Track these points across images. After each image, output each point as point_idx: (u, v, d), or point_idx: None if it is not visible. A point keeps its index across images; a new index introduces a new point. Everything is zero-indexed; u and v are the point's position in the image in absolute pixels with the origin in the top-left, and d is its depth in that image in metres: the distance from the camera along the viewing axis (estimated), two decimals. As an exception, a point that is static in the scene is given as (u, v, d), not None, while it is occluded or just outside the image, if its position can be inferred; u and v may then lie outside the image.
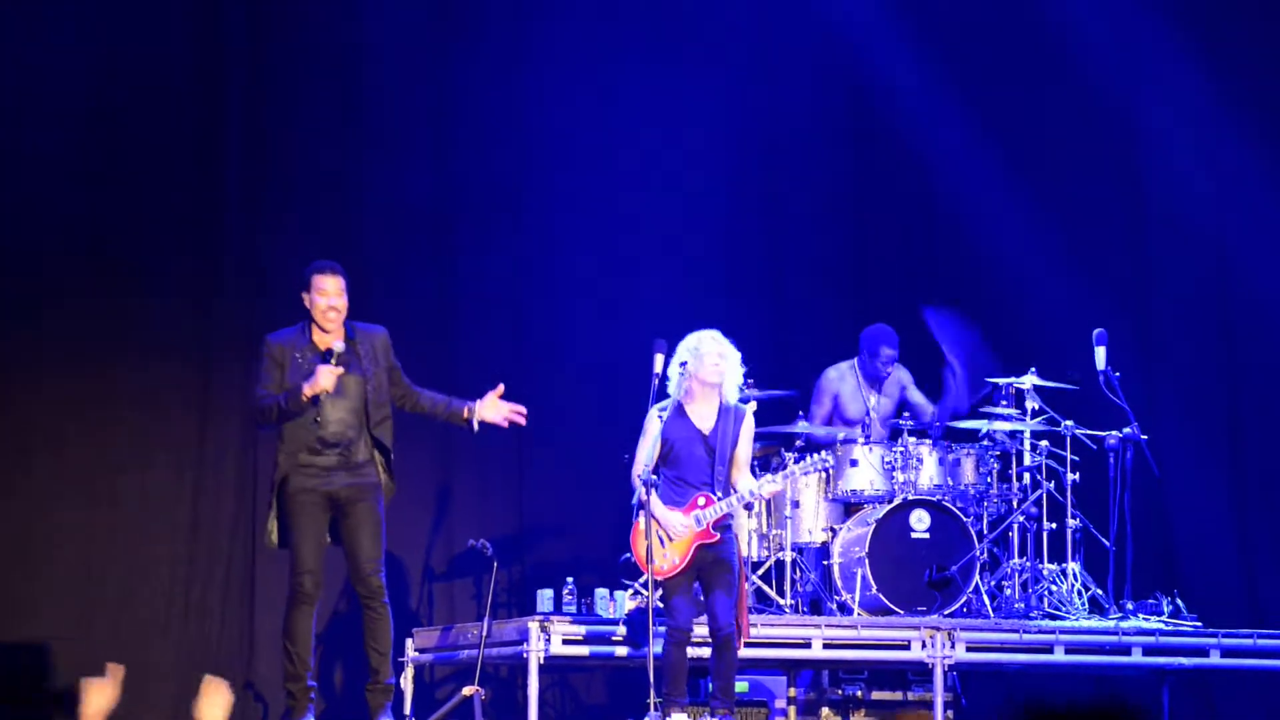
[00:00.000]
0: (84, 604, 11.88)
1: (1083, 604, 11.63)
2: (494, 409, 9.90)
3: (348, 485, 9.62)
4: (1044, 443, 11.80)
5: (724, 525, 9.67)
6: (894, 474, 11.61)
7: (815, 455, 10.25)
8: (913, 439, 11.68)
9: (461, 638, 11.12)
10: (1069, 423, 11.77)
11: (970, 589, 11.37)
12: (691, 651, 9.86)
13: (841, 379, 12.30)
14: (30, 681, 11.40)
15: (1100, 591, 11.72)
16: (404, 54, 12.89)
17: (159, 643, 11.99)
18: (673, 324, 10.05)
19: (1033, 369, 11.89)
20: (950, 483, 11.69)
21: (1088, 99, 13.79)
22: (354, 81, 12.82)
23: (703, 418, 9.74)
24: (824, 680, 11.90)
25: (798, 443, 11.63)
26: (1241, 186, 13.75)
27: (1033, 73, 13.78)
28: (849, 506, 11.87)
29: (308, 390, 9.47)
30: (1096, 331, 11.84)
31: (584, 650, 10.64)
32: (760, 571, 11.53)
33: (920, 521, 11.46)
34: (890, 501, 11.49)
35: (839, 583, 11.51)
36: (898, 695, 11.90)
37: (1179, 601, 11.69)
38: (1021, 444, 11.84)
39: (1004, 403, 11.82)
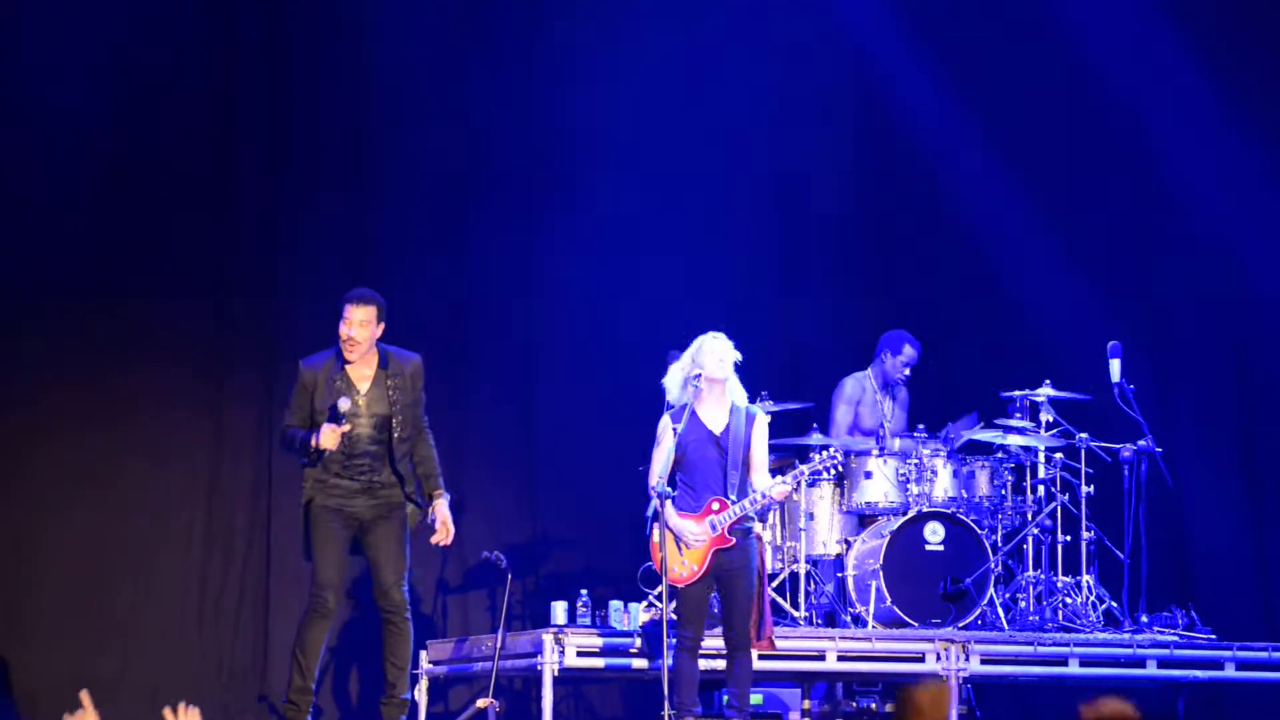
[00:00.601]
0: (95, 611, 11.88)
1: (1097, 616, 11.62)
2: (442, 527, 9.85)
3: (368, 506, 9.65)
4: (1059, 455, 11.79)
5: (742, 529, 9.62)
6: (908, 486, 11.61)
7: (823, 451, 10.15)
8: (927, 451, 11.67)
9: (476, 650, 11.11)
10: (1083, 435, 11.77)
11: (985, 601, 11.36)
12: (707, 663, 9.84)
13: (860, 388, 12.30)
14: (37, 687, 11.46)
15: (1115, 604, 11.70)
16: (419, 57, 12.89)
17: (172, 652, 11.98)
18: (686, 335, 10.03)
19: (1047, 381, 11.88)
20: (965, 495, 11.69)
21: (1103, 112, 13.79)
22: (368, 83, 12.83)
23: (714, 419, 9.71)
24: (838, 693, 11.89)
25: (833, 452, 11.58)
26: (1255, 198, 13.73)
27: (1047, 86, 13.77)
28: (863, 518, 11.87)
29: (313, 444, 9.51)
30: (1111, 344, 11.84)
31: (598, 662, 10.63)
32: (775, 583, 11.51)
33: (935, 534, 11.46)
34: (905, 514, 11.48)
35: (853, 595, 11.50)
36: (912, 708, 11.86)
37: (1194, 614, 11.67)
38: (1036, 456, 11.83)
39: (1018, 415, 11.81)
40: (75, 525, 11.88)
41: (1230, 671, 11.36)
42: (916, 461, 11.64)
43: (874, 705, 11.79)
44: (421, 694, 11.20)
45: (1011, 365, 12.66)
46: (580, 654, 10.56)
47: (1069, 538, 11.72)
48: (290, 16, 12.68)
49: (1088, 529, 11.75)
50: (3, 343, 11.97)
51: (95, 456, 12.00)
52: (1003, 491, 11.79)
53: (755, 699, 11.07)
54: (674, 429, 9.62)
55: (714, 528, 9.57)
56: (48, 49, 12.10)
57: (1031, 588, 11.67)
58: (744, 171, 13.59)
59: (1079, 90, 13.78)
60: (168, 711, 5.83)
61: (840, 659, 10.90)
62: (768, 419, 9.98)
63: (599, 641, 10.63)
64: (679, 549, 9.58)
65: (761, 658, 10.07)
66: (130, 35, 12.29)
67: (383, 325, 9.73)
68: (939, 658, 10.95)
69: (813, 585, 11.70)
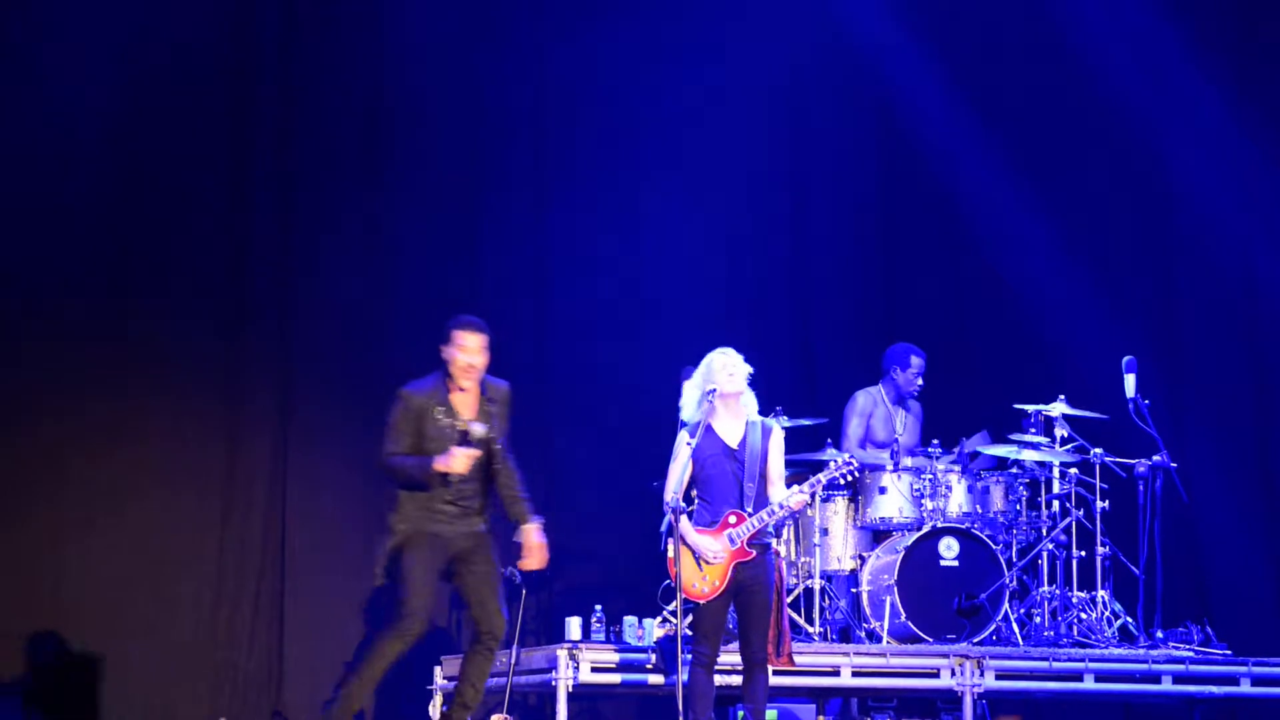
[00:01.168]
0: (112, 631, 11.90)
1: (1112, 632, 11.60)
2: (535, 552, 9.84)
3: (465, 534, 9.60)
4: (1073, 470, 11.78)
5: (761, 544, 9.61)
6: (923, 501, 11.61)
7: (839, 459, 10.14)
8: (941, 466, 11.67)
9: (490, 665, 11.10)
10: (1098, 450, 11.76)
11: (999, 617, 11.35)
12: (723, 679, 9.83)
13: (873, 403, 12.31)
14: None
15: (1130, 619, 11.69)
16: (431, 62, 12.93)
17: (187, 671, 12.00)
18: (700, 351, 10.03)
19: (1062, 397, 11.87)
20: (979, 510, 11.69)
21: (1119, 129, 13.80)
22: (381, 97, 12.86)
23: (729, 433, 9.72)
24: (853, 708, 11.87)
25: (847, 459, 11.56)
26: (1271, 213, 13.73)
27: (1064, 101, 13.80)
28: (877, 534, 11.87)
29: (439, 467, 9.46)
30: (1126, 359, 11.83)
31: (613, 678, 10.62)
32: (790, 599, 11.50)
33: (949, 549, 11.45)
34: (919, 529, 11.48)
35: (868, 610, 11.50)
36: (927, 724, 11.89)
37: (1209, 629, 11.65)
38: (1051, 472, 11.82)
39: (1033, 430, 11.81)
40: (90, 550, 11.90)
41: (1246, 687, 11.34)
42: (931, 477, 11.64)
43: (889, 721, 11.79)
44: (435, 710, 11.21)
45: (1026, 380, 12.65)
46: (595, 669, 10.56)
47: (1084, 553, 11.71)
48: (306, 27, 12.71)
49: (1103, 544, 11.74)
50: (20, 369, 12.00)
51: (108, 480, 12.02)
52: (1017, 507, 11.79)
53: (770, 715, 11.06)
54: (689, 443, 9.63)
55: (732, 541, 9.56)
56: (58, 76, 12.14)
57: (1046, 603, 11.65)
58: (759, 186, 13.61)
59: (1095, 106, 13.80)
60: None
61: (855, 674, 10.89)
62: (783, 433, 9.98)
63: (614, 657, 10.62)
64: (698, 564, 9.58)
65: (776, 673, 10.06)
66: (144, 53, 12.31)
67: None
68: (954, 673, 10.94)
69: (827, 601, 11.69)
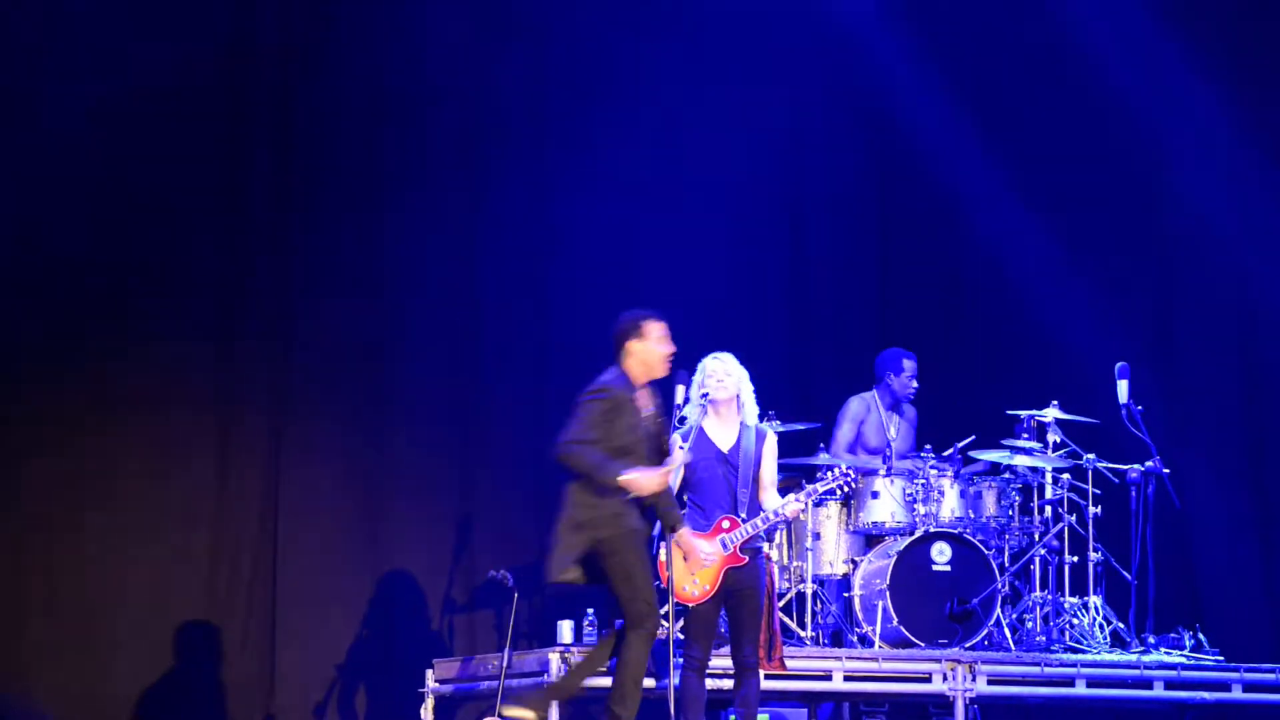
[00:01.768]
0: (101, 640, 11.92)
1: (1104, 637, 11.60)
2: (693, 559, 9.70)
3: (643, 530, 9.48)
4: (1066, 476, 11.79)
5: (753, 549, 9.63)
6: (915, 506, 11.61)
7: (838, 468, 10.14)
8: (934, 471, 11.67)
9: (482, 669, 11.11)
10: (1091, 456, 11.76)
11: (992, 622, 11.35)
12: (714, 683, 9.83)
13: (866, 408, 12.31)
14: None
15: (1122, 625, 11.69)
16: (431, 81, 12.96)
17: (177, 677, 12.01)
18: (696, 356, 10.03)
19: (1055, 402, 11.87)
20: (972, 515, 11.69)
21: (1114, 134, 13.80)
22: (381, 114, 12.88)
23: (723, 438, 9.73)
24: (845, 713, 11.88)
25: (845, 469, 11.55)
26: (1265, 221, 13.74)
27: (1059, 109, 13.81)
28: (870, 538, 11.86)
29: (628, 483, 9.12)
30: (1119, 365, 11.83)
31: (605, 681, 10.59)
32: (782, 603, 11.50)
33: (941, 554, 11.45)
34: (911, 534, 11.48)
35: (860, 615, 11.49)
36: (919, 728, 11.88)
37: (1201, 635, 11.65)
38: (1043, 477, 11.82)
39: (1026, 436, 11.81)
40: (78, 566, 11.95)
41: (1237, 693, 11.33)
42: (924, 481, 11.65)
43: (880, 725, 11.78)
44: (428, 713, 11.21)
45: (1021, 385, 12.66)
46: (587, 673, 10.55)
47: (1076, 558, 11.71)
48: (305, 50, 12.73)
49: (1095, 550, 11.74)
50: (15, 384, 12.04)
51: (94, 466, 12.04)
52: (1010, 512, 11.79)
53: (761, 719, 11.06)
54: (682, 447, 9.62)
55: (725, 546, 9.58)
56: (47, 83, 12.16)
57: (1039, 608, 11.65)
58: (754, 193, 13.61)
59: (1092, 111, 13.81)
60: None
61: (847, 679, 10.89)
62: (777, 438, 9.99)
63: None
64: (689, 568, 9.58)
65: (768, 677, 10.06)
66: (134, 67, 12.32)
67: None
68: (946, 678, 10.93)
69: (819, 605, 11.69)
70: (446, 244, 12.95)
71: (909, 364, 12.21)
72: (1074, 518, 11.74)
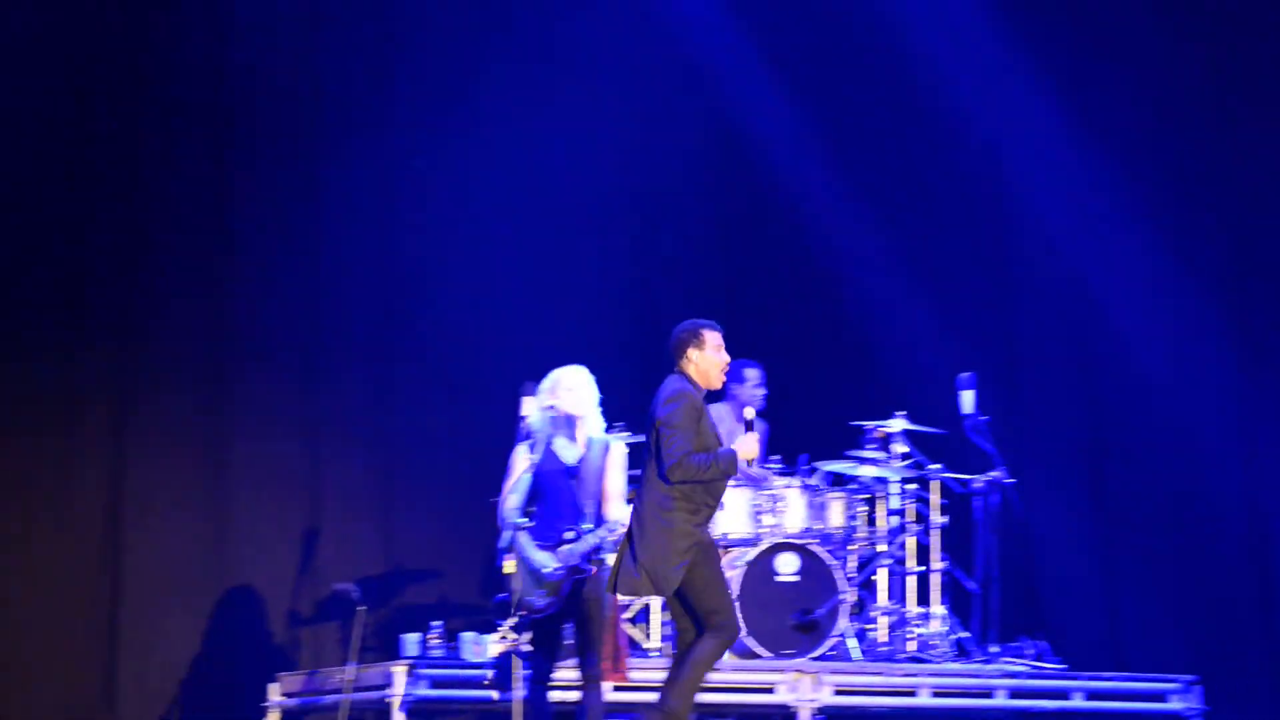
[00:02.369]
0: None
1: (949, 647, 11.69)
2: None
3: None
4: (911, 486, 11.87)
5: (598, 560, 9.62)
6: (761, 517, 11.63)
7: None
8: (780, 481, 11.71)
9: (327, 682, 11.04)
10: (935, 466, 11.85)
11: (836, 632, 11.40)
12: (561, 695, 9.81)
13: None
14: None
15: (967, 634, 11.78)
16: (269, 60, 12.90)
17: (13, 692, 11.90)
18: (542, 367, 10.01)
19: (902, 413, 11.94)
20: (817, 526, 11.73)
21: (956, 144, 13.90)
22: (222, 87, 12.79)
23: (569, 451, 9.72)
24: (691, 724, 11.87)
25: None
26: (1106, 231, 13.87)
27: (902, 120, 13.89)
28: (717, 550, 11.87)
29: (745, 452, 9.35)
30: (963, 376, 11.93)
31: (449, 694, 10.58)
32: (629, 615, 11.51)
33: (787, 565, 11.49)
34: (756, 545, 11.50)
35: (707, 626, 11.48)
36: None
37: (1044, 644, 11.76)
38: (889, 487, 11.89)
39: (871, 446, 11.87)
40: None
41: (1078, 702, 11.45)
42: (769, 492, 11.68)
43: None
44: (274, 725, 11.15)
45: (868, 397, 12.73)
46: (433, 685, 10.51)
47: (921, 568, 11.79)
48: (145, 42, 12.62)
49: (940, 559, 11.82)
50: None
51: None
52: (855, 522, 11.85)
53: (607, 730, 11.05)
54: (528, 455, 9.62)
55: (569, 558, 9.56)
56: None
57: (884, 618, 11.72)
58: (597, 204, 13.59)
59: (935, 124, 13.89)
60: None
61: (692, 690, 10.88)
62: (624, 450, 9.98)
63: (452, 673, 10.57)
64: (535, 580, 9.56)
65: (614, 689, 10.05)
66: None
67: None
68: (791, 689, 10.97)
69: (667, 616, 11.68)
70: (289, 247, 12.86)
71: (752, 373, 12.23)
72: (920, 528, 11.82)
